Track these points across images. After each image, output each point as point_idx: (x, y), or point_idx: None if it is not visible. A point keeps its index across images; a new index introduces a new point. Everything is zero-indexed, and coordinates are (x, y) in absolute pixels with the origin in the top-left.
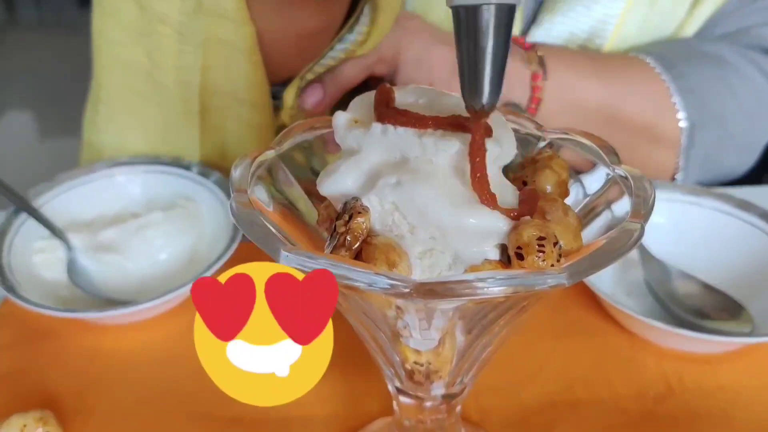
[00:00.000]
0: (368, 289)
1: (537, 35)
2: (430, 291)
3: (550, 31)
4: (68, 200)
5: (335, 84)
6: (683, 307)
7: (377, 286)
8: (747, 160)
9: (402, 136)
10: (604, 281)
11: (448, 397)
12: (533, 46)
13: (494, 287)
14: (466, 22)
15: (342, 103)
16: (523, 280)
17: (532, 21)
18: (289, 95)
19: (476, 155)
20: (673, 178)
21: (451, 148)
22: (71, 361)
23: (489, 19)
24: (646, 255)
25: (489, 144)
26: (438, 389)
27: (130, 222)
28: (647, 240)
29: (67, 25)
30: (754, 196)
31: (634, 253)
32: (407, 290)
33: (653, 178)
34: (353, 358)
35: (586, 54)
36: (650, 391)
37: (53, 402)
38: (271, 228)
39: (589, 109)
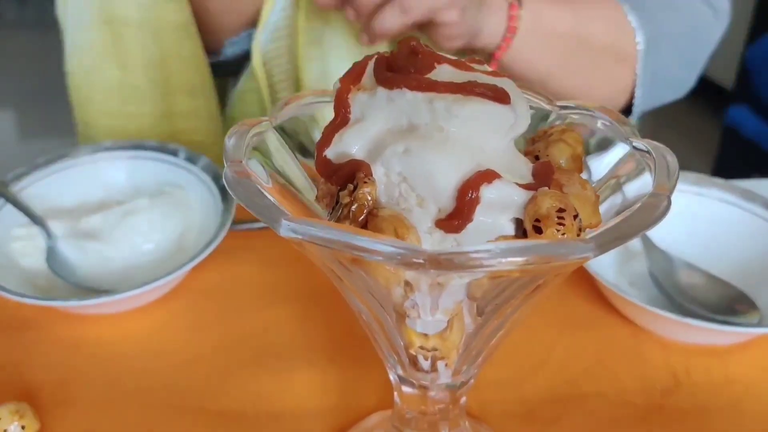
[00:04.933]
0: (379, 259)
1: None
2: (448, 261)
3: None
4: (49, 186)
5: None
6: (688, 299)
7: (390, 255)
8: (689, 77)
9: (410, 101)
10: (606, 271)
11: (453, 387)
12: None
13: (519, 257)
14: None
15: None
16: (549, 250)
17: None
18: None
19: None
20: (632, 95)
21: (464, 114)
22: (50, 353)
23: None
24: (649, 245)
25: (504, 111)
26: (443, 378)
27: (113, 209)
28: (650, 230)
29: (49, 24)
30: (757, 187)
31: (637, 243)
32: (422, 261)
33: (616, 96)
34: (348, 349)
35: None
36: (657, 384)
37: (30, 394)
38: (269, 197)
39: (560, 35)
